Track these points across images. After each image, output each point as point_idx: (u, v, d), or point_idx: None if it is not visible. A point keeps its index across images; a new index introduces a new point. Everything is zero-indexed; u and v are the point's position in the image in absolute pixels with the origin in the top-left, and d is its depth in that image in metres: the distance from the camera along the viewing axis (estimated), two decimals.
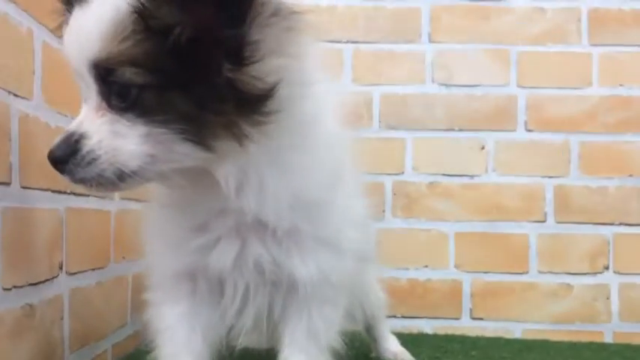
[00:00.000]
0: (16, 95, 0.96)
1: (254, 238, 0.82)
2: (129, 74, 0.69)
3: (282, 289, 0.86)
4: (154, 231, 0.89)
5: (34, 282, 1.00)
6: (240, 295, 0.86)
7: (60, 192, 1.10)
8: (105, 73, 0.70)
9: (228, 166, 0.75)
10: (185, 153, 0.71)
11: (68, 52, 0.73)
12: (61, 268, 1.10)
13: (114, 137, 0.71)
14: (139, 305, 1.50)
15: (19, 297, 0.95)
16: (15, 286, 0.94)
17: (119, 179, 0.72)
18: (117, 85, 0.70)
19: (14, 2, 0.95)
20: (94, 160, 0.71)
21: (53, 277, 1.07)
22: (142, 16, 0.67)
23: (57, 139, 0.73)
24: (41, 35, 1.03)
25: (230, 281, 0.85)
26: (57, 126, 1.09)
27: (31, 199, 1.00)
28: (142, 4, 0.67)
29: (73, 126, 0.74)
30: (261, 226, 0.81)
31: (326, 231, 0.85)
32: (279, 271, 0.84)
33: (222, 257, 0.83)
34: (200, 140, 0.71)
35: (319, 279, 0.84)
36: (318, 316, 0.89)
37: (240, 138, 0.71)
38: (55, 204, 1.08)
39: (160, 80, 0.69)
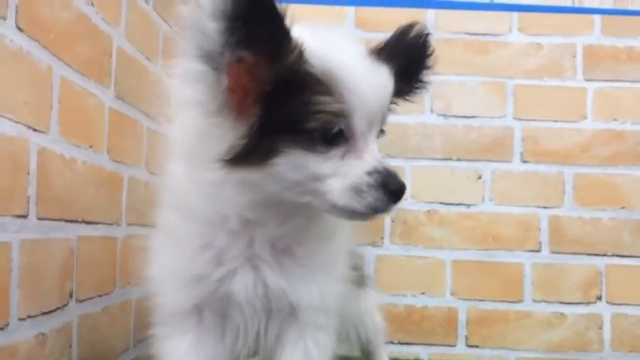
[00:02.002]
0: (35, 130, 0.99)
1: (266, 268, 0.84)
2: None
3: (280, 316, 0.89)
4: (162, 265, 0.88)
5: (46, 311, 1.03)
6: (245, 323, 0.88)
7: (72, 221, 1.13)
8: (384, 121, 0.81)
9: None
10: None
11: (374, 99, 0.78)
12: (71, 295, 1.13)
13: None
14: (142, 329, 1.53)
15: (33, 326, 0.98)
16: (29, 316, 0.97)
17: None
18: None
19: (36, 40, 0.98)
20: None
21: (64, 305, 1.10)
22: None
23: (395, 172, 0.78)
24: (59, 71, 1.07)
25: (238, 310, 0.87)
26: (71, 157, 1.12)
27: (46, 230, 1.03)
28: None
29: (382, 162, 0.78)
30: (272, 256, 0.84)
31: (327, 261, 0.89)
32: (284, 298, 0.86)
33: (241, 287, 0.84)
34: None
35: (319, 305, 0.87)
36: (313, 344, 0.91)
37: None
38: (68, 233, 1.11)
39: None
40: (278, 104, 0.73)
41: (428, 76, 0.91)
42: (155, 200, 0.92)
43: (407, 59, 0.87)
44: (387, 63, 0.81)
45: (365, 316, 1.29)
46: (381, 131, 0.81)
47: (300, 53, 0.72)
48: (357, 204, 0.75)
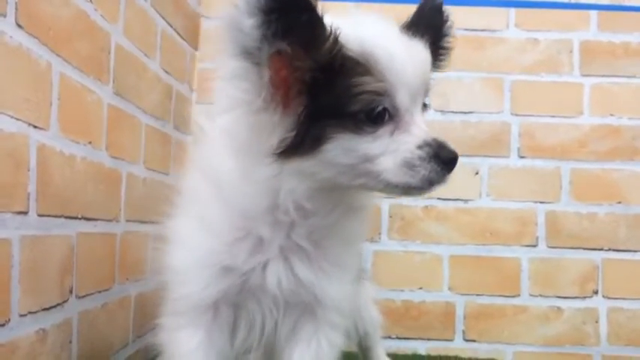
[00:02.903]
0: (35, 127, 0.99)
1: (297, 260, 0.85)
2: None
3: (296, 312, 0.90)
4: (188, 255, 0.87)
5: (47, 307, 1.03)
6: (262, 318, 0.89)
7: (72, 217, 1.13)
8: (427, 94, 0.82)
9: None
10: None
11: (414, 74, 0.78)
12: (71, 292, 1.13)
13: None
14: (140, 325, 1.53)
15: (33, 322, 0.98)
16: (30, 312, 0.97)
17: None
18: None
19: (36, 37, 0.99)
20: None
21: (64, 302, 1.10)
22: None
23: (445, 141, 0.78)
24: (58, 67, 1.07)
25: (257, 304, 0.88)
26: (71, 154, 1.12)
27: (46, 227, 1.03)
28: None
29: (431, 134, 0.78)
30: (302, 249, 0.85)
31: (349, 260, 0.90)
32: (311, 292, 0.87)
33: (274, 279, 0.85)
34: None
35: (338, 304, 0.89)
36: (325, 342, 0.93)
37: None
38: (68, 230, 1.12)
39: None
40: (321, 92, 0.74)
41: (450, 43, 0.92)
42: (168, 194, 0.93)
43: (431, 31, 0.87)
44: (419, 37, 0.82)
45: (363, 310, 1.31)
46: (424, 105, 0.82)
47: (336, 39, 0.74)
48: (412, 179, 0.76)
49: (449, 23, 0.92)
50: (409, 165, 0.76)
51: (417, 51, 0.80)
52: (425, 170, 0.76)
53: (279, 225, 0.84)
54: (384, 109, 0.76)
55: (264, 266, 0.85)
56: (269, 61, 0.72)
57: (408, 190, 0.78)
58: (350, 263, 0.92)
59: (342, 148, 0.75)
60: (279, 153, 0.75)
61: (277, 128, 0.75)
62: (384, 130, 0.76)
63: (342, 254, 0.90)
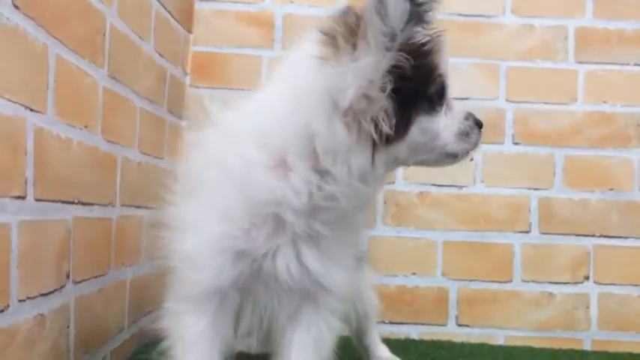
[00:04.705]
0: (31, 110, 0.97)
1: (305, 248, 0.87)
2: None
3: (298, 297, 0.91)
4: (201, 240, 0.87)
5: (44, 292, 1.02)
6: (267, 303, 0.91)
7: (69, 202, 1.12)
8: None
9: None
10: None
11: None
12: (68, 277, 1.12)
13: None
14: (136, 310, 1.53)
15: (32, 308, 0.98)
16: (28, 297, 0.97)
17: None
18: None
19: (32, 18, 0.96)
20: None
21: (61, 287, 1.09)
22: None
23: (470, 113, 0.92)
24: (55, 49, 1.05)
25: (265, 289, 0.89)
26: (67, 137, 1.10)
27: (43, 211, 1.02)
28: None
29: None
30: (310, 236, 0.86)
31: (350, 248, 0.93)
32: (311, 279, 0.88)
33: (282, 265, 0.86)
34: None
35: (339, 291, 0.91)
36: (325, 326, 0.94)
37: None
38: (65, 214, 1.10)
39: None
40: (409, 76, 0.80)
41: None
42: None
43: None
44: None
45: (362, 291, 1.32)
46: None
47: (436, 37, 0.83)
48: (468, 144, 0.89)
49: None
50: (464, 133, 0.89)
51: None
52: (475, 135, 0.90)
53: (301, 211, 0.85)
54: (445, 89, 0.87)
55: (275, 252, 0.86)
56: (399, 50, 0.78)
57: (462, 155, 0.90)
58: (353, 250, 0.94)
59: (421, 129, 0.83)
60: (378, 142, 0.80)
61: (382, 117, 0.79)
62: (443, 108, 0.87)
63: (349, 240, 0.92)
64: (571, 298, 1.86)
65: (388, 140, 0.80)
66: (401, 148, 0.83)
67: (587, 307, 1.85)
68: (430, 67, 0.83)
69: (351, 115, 0.79)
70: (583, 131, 1.89)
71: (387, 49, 0.78)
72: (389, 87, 0.78)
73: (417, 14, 0.79)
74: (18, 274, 0.92)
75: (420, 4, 0.79)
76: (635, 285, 1.85)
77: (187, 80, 1.90)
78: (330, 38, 0.80)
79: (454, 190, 1.88)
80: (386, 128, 0.79)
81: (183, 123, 1.88)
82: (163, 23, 1.66)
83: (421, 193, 1.88)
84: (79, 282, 1.18)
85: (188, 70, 1.90)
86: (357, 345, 1.44)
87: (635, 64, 1.88)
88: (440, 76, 0.85)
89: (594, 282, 1.86)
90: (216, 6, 1.91)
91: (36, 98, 0.99)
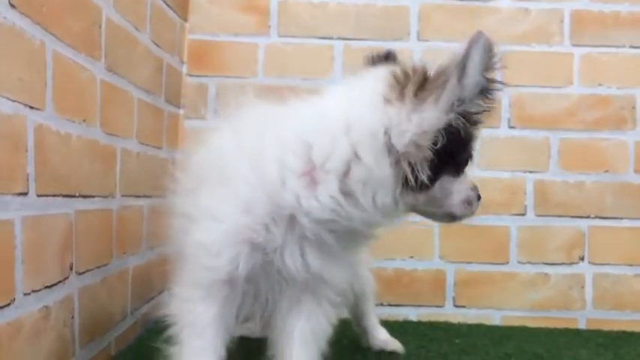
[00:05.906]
0: (31, 107, 0.99)
1: (309, 248, 0.92)
2: None
3: (299, 287, 0.96)
4: (218, 230, 0.90)
5: (49, 285, 1.05)
6: (266, 293, 0.96)
7: (70, 196, 1.14)
8: None
9: None
10: None
11: None
12: (71, 268, 1.15)
13: None
14: (138, 298, 1.56)
15: (37, 300, 1.00)
16: (33, 290, 0.99)
17: None
18: None
19: (28, 16, 0.98)
20: None
21: (65, 279, 1.12)
22: None
23: (476, 185, 0.99)
24: (52, 46, 1.06)
25: (268, 281, 0.94)
26: (66, 132, 1.12)
27: (45, 206, 1.04)
28: None
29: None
30: (316, 240, 0.91)
31: (350, 252, 0.99)
32: (311, 273, 0.94)
33: (290, 260, 0.91)
34: None
35: (340, 287, 0.98)
36: (323, 317, 1.00)
37: None
38: (66, 208, 1.12)
39: None
40: (454, 141, 0.88)
41: None
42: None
43: None
44: None
45: (359, 269, 1.35)
46: None
47: None
48: (468, 212, 0.97)
49: None
50: (468, 202, 0.96)
51: None
52: (475, 205, 0.98)
53: (316, 220, 0.90)
54: (471, 159, 0.95)
55: (282, 248, 0.90)
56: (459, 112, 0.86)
57: (461, 219, 0.98)
58: (354, 257, 1.03)
59: (442, 187, 0.91)
60: (409, 186, 0.87)
61: (422, 165, 0.87)
62: (463, 175, 0.94)
63: (350, 250, 0.98)
64: (566, 278, 1.89)
65: (417, 187, 0.87)
66: (421, 197, 0.90)
67: (582, 287, 1.89)
68: (472, 136, 0.91)
69: (395, 156, 0.87)
70: (578, 114, 1.90)
71: (452, 111, 0.86)
72: (440, 142, 0.86)
73: (486, 90, 0.88)
74: (22, 269, 0.95)
75: (491, 82, 0.88)
76: (630, 265, 1.88)
77: (184, 69, 1.91)
78: (400, 85, 0.89)
79: None
80: (421, 176, 0.86)
81: (181, 112, 1.89)
82: (159, 12, 1.66)
83: None
84: (83, 273, 1.20)
85: (185, 58, 1.91)
86: (356, 327, 1.48)
87: (631, 47, 1.89)
88: (473, 147, 0.93)
89: (589, 262, 1.89)
90: None
91: (35, 96, 1.01)
